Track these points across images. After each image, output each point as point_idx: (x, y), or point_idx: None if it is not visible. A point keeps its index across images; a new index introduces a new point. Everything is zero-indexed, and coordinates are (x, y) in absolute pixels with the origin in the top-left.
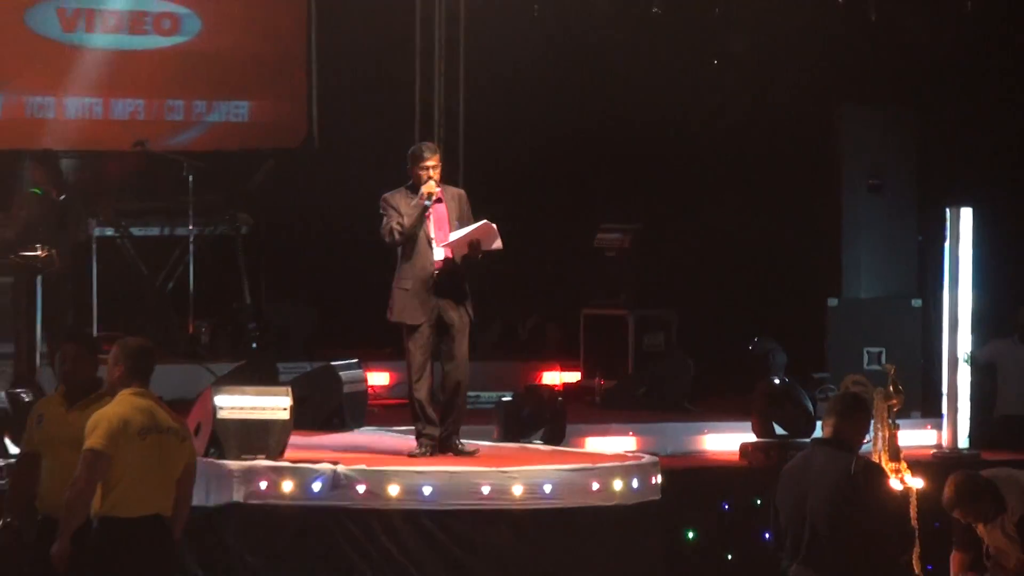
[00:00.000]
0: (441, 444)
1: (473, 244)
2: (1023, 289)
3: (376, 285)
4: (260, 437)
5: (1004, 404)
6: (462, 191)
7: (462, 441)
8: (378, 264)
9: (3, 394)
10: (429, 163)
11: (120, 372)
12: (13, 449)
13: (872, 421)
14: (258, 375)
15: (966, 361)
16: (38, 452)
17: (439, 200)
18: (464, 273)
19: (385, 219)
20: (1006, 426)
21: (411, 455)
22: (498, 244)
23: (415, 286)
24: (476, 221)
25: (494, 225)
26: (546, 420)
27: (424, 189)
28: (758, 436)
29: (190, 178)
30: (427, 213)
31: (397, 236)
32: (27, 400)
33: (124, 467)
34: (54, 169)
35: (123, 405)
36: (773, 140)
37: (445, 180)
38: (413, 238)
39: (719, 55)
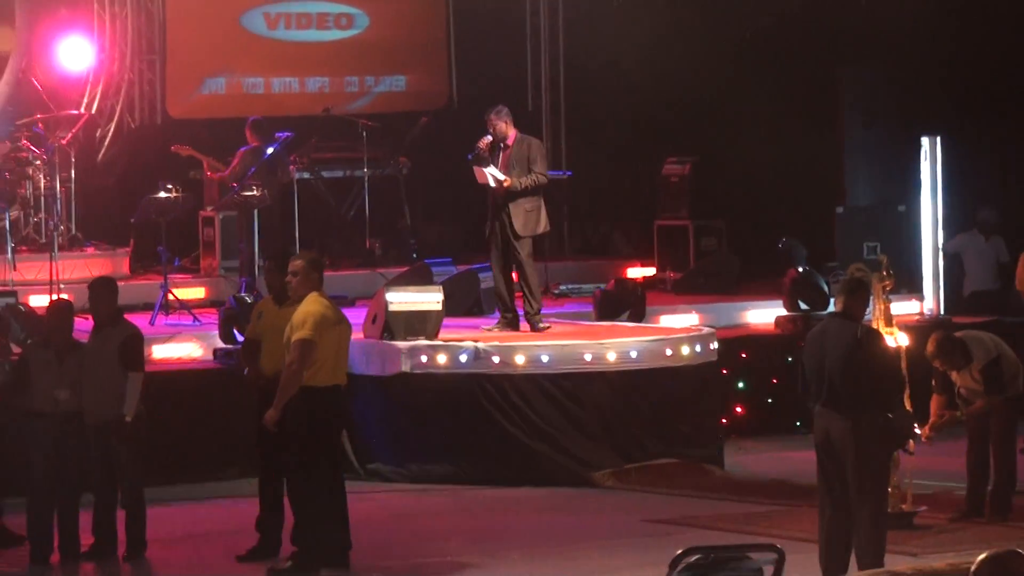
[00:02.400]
0: (528, 321)
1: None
2: (978, 194)
3: None
4: (420, 323)
5: (971, 283)
6: (533, 140)
7: (542, 321)
8: None
9: (232, 297)
10: (489, 120)
11: (315, 280)
12: (239, 337)
13: (871, 297)
14: (418, 277)
15: (941, 250)
16: (259, 339)
17: (506, 147)
18: (510, 199)
19: None
20: (974, 299)
21: (486, 329)
22: (489, 181)
23: (490, 206)
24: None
25: (483, 169)
26: (631, 304)
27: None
28: (788, 311)
29: (364, 134)
30: (498, 154)
31: None
32: (249, 301)
33: (323, 349)
34: (265, 131)
35: (319, 304)
36: (794, 91)
37: (534, 132)
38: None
39: (751, 29)
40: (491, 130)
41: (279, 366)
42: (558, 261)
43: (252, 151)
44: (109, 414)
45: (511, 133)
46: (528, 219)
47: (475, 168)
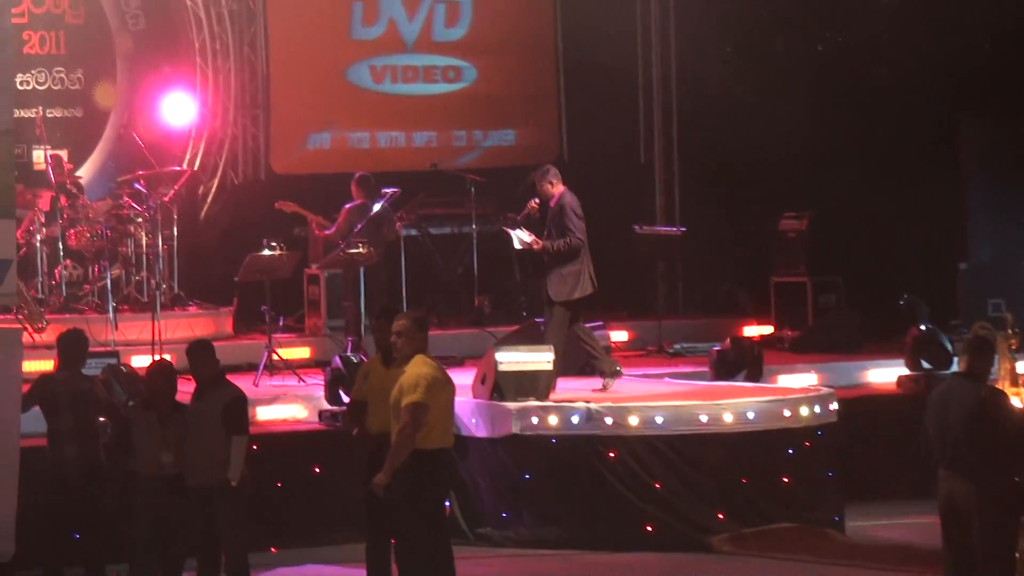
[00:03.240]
0: None
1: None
2: None
3: (611, 264)
4: (531, 383)
5: None
6: (566, 200)
7: None
8: (615, 244)
9: (338, 357)
10: (534, 179)
11: (421, 340)
12: (345, 398)
13: (996, 356)
14: (528, 337)
15: None
16: (365, 400)
17: (549, 208)
18: (550, 264)
19: None
20: None
21: (598, 389)
22: (516, 244)
23: None
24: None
25: (510, 232)
26: (747, 363)
27: None
28: (910, 370)
29: (472, 189)
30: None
31: None
32: (355, 361)
33: (434, 412)
34: (371, 187)
35: (429, 366)
36: (913, 142)
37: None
38: None
39: (868, 79)
40: (538, 190)
41: (386, 427)
42: (672, 320)
43: (357, 208)
44: (213, 478)
45: (555, 193)
46: (564, 283)
47: (505, 231)
